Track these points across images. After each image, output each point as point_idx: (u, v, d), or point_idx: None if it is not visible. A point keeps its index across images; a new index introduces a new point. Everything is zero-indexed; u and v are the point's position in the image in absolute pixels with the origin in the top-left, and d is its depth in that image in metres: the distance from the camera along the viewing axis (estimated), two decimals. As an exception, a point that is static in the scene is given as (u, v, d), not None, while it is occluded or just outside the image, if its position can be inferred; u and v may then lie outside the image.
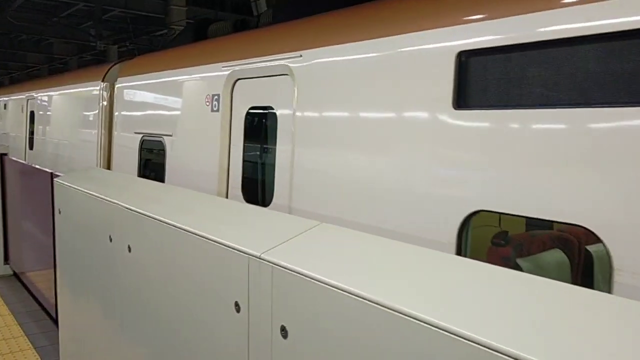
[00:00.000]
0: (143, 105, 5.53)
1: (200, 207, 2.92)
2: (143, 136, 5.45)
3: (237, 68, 4.18)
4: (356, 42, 3.30)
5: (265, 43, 4.09)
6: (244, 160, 4.12)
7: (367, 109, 3.16)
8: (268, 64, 3.88)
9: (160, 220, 2.79)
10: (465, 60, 2.73)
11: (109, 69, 6.47)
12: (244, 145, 4.11)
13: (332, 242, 2.10)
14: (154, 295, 2.87)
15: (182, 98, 4.81)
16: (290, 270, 1.93)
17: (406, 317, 1.51)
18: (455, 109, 2.72)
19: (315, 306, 1.83)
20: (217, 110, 4.27)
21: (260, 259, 2.06)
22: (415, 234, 2.87)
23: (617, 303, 1.42)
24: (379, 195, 3.03)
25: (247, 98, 4.08)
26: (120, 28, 21.40)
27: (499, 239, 2.79)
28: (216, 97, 4.30)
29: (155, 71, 5.41)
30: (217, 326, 2.34)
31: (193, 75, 4.71)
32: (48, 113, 8.29)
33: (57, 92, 8.05)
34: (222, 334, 2.31)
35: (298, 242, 2.12)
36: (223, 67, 4.29)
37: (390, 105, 3.04)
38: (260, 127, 4.04)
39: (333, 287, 1.76)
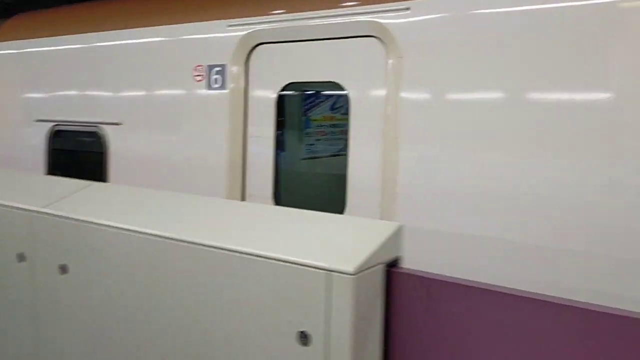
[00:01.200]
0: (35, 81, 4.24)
1: None
2: (54, 125, 4.15)
3: (261, 27, 3.08)
4: None
5: None
6: (277, 156, 3.13)
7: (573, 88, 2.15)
8: (330, 20, 2.81)
9: None
10: None
11: None
12: (276, 135, 3.14)
13: (101, 196, 2.60)
14: None
15: (145, 72, 3.64)
16: (66, 218, 2.40)
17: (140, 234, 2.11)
18: None
19: (88, 242, 2.35)
20: (221, 88, 3.26)
21: (41, 212, 2.52)
22: None
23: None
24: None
25: (282, 70, 3.07)
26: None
27: None
28: (217, 69, 3.29)
29: (73, 33, 4.07)
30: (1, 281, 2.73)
31: (166, 38, 3.53)
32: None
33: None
34: (8, 287, 2.70)
35: (74, 198, 2.60)
36: (230, 25, 3.21)
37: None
38: (308, 112, 3.18)
39: (100, 224, 2.31)
